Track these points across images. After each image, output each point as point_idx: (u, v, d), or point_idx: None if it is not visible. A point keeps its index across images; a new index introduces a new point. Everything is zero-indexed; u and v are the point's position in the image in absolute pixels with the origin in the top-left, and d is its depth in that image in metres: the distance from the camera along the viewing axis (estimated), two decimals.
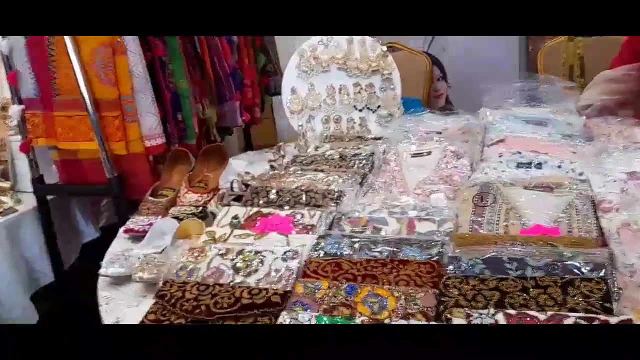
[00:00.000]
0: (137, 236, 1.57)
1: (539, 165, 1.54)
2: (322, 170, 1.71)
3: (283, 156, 1.90)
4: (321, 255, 1.27)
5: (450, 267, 1.16)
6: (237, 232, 1.41)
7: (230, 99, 2.62)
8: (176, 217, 1.57)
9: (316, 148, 1.92)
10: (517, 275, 1.09)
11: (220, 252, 1.29)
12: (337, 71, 2.09)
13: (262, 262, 1.25)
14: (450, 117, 1.98)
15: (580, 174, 1.46)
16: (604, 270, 1.07)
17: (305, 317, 1.06)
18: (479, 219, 1.34)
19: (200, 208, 1.63)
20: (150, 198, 1.75)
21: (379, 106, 2.09)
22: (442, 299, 1.07)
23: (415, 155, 1.70)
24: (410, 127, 1.91)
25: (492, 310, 0.99)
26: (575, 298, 1.01)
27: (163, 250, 1.41)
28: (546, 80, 2.05)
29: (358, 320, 1.04)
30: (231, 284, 1.20)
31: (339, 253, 1.27)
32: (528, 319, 0.96)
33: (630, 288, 1.05)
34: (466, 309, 1.01)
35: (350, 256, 1.25)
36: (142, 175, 2.15)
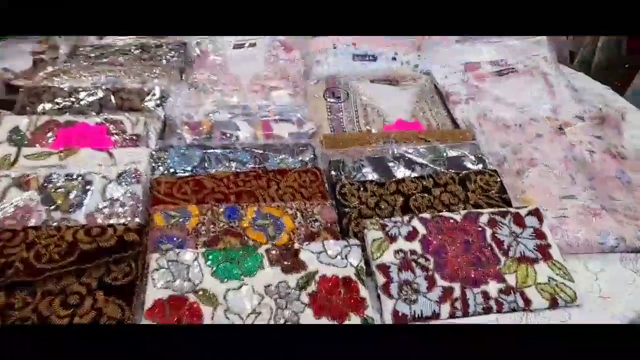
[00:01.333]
0: None
1: (373, 58, 1.44)
2: (121, 65, 1.32)
3: (55, 47, 1.42)
4: (167, 173, 0.98)
5: (334, 172, 1.00)
6: (26, 150, 0.99)
7: None
8: None
9: (99, 37, 1.48)
10: (408, 174, 0.99)
11: (16, 183, 0.88)
12: None
13: (87, 189, 0.90)
14: None
15: (416, 66, 1.42)
16: (486, 161, 1.05)
17: (187, 257, 0.79)
18: (338, 117, 1.20)
19: None
20: None
21: None
22: (344, 210, 0.91)
23: (237, 46, 1.44)
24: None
25: (406, 218, 0.87)
26: (476, 193, 0.96)
27: None
28: None
29: (261, 251, 0.81)
30: (52, 224, 0.83)
31: (189, 168, 0.99)
32: (446, 222, 0.87)
33: (505, 175, 1.05)
34: (378, 219, 0.87)
35: (207, 170, 0.99)
36: None
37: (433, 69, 1.37)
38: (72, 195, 0.88)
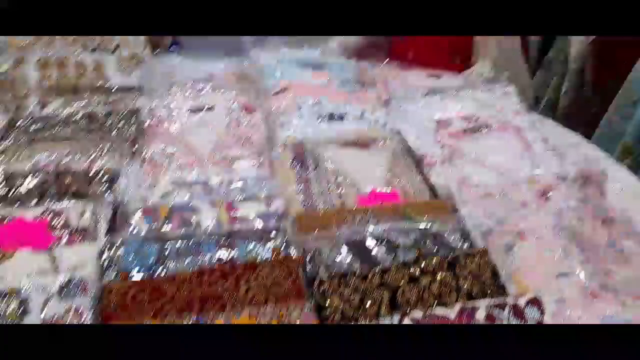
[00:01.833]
0: None
1: (340, 117, 1.36)
2: (67, 139, 1.19)
3: None
4: (119, 276, 0.85)
5: (310, 265, 0.90)
6: None
7: None
8: None
9: (41, 106, 1.35)
10: (392, 261, 0.90)
11: None
12: None
13: (24, 307, 0.77)
14: (213, 60, 1.66)
15: (385, 125, 1.34)
16: (472, 237, 0.97)
17: None
18: (308, 190, 1.10)
19: None
20: None
21: (117, 46, 1.59)
22: (324, 313, 0.81)
23: (194, 111, 1.33)
24: (169, 73, 1.52)
25: (395, 317, 0.78)
26: (467, 279, 0.87)
27: None
28: None
29: None
30: None
31: (146, 267, 0.87)
32: (438, 319, 0.78)
33: (493, 250, 0.97)
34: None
35: (166, 268, 0.87)
36: None
37: (403, 128, 1.30)
38: (6, 313, 0.75)
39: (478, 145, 1.24)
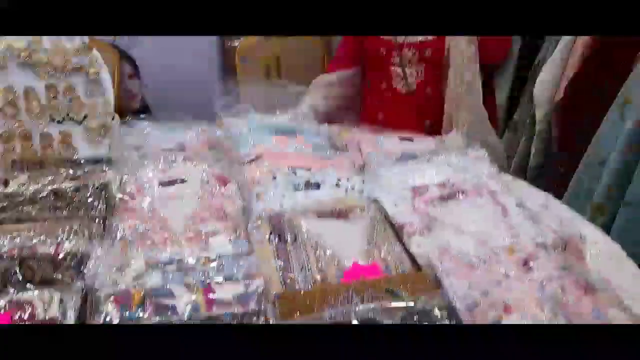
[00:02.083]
0: None
1: (316, 185, 1.34)
2: (33, 220, 1.14)
3: None
4: None
5: None
6: None
7: None
8: None
9: (5, 183, 1.30)
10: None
11: None
12: (18, 68, 1.47)
13: None
14: (184, 128, 1.65)
15: (361, 192, 1.33)
16: (458, 313, 0.95)
17: None
18: (288, 266, 1.07)
19: None
20: None
21: (85, 116, 1.56)
22: None
23: (165, 184, 1.30)
24: (139, 144, 1.50)
25: None
26: None
27: None
28: (291, 88, 1.89)
29: None
30: None
31: None
32: None
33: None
34: None
35: None
36: None
37: (380, 196, 1.30)
38: None
39: (455, 212, 1.24)
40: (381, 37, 1.81)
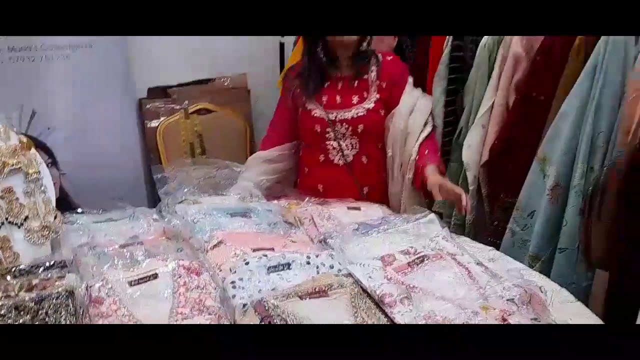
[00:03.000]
0: None
1: (287, 265, 1.36)
2: None
3: None
4: None
5: None
6: None
7: None
8: None
9: None
10: None
11: None
12: None
13: None
14: (123, 219, 1.61)
15: (332, 267, 1.37)
16: None
17: None
18: None
19: None
20: None
21: (26, 217, 1.47)
22: None
23: (135, 282, 1.25)
24: (87, 241, 1.44)
25: None
26: None
27: None
28: (221, 165, 1.90)
29: None
30: None
31: None
32: None
33: None
34: None
35: None
36: None
37: (352, 269, 1.34)
38: None
39: (426, 278, 1.31)
40: (315, 115, 1.90)
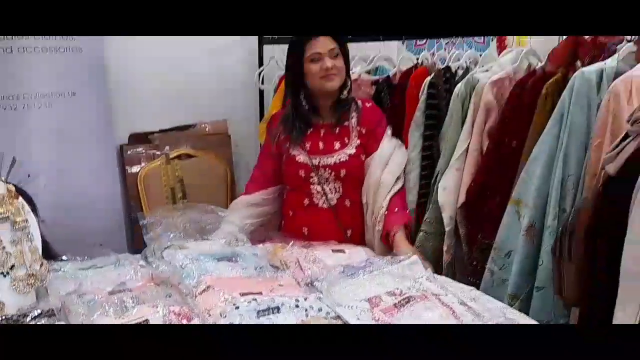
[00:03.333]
0: None
1: (277, 309, 1.38)
2: None
3: None
4: None
5: None
6: None
7: None
8: None
9: None
10: None
11: None
12: None
13: None
14: (108, 266, 1.62)
15: (320, 310, 1.40)
16: None
17: None
18: None
19: None
20: None
21: (12, 266, 1.47)
22: None
23: None
24: (74, 289, 1.44)
25: None
26: None
27: None
28: (205, 210, 1.93)
29: None
30: None
31: None
32: None
33: None
34: None
35: None
36: None
37: (341, 312, 1.37)
38: None
39: (413, 318, 1.35)
40: (299, 160, 1.96)
